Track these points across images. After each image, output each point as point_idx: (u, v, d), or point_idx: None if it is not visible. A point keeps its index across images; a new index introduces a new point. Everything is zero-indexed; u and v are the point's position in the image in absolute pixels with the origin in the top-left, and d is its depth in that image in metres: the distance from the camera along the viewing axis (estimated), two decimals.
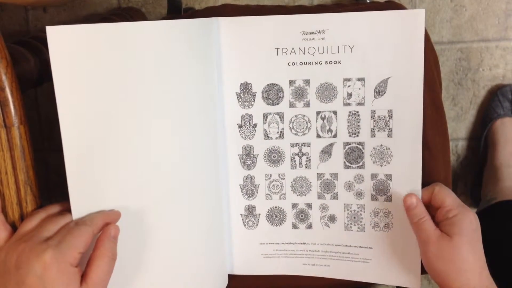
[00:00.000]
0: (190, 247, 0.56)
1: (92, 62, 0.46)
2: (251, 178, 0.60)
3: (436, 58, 0.60)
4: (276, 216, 0.60)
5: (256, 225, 0.61)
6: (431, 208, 0.55)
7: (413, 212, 0.54)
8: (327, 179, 0.59)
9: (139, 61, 0.48)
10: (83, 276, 0.44)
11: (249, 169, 0.59)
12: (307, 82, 0.57)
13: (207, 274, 0.58)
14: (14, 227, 0.46)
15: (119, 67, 0.47)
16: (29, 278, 0.41)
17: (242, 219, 0.61)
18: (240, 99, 0.57)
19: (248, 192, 0.60)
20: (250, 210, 0.60)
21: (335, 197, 0.59)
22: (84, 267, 0.45)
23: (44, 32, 0.44)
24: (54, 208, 0.48)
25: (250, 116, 0.58)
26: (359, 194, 0.59)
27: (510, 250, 0.72)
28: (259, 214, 0.60)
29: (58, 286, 0.41)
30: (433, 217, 0.54)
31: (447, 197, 0.53)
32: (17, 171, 0.46)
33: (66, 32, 0.44)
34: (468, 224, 0.51)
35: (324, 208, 0.60)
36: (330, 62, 0.56)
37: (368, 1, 0.84)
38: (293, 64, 0.56)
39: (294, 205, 0.60)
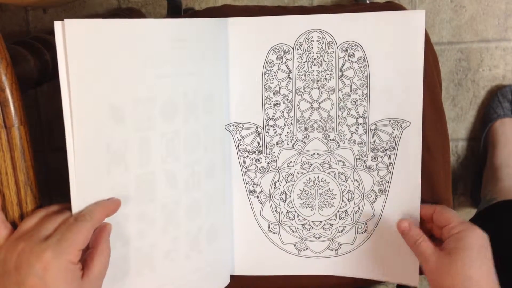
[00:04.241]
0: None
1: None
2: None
3: (436, 59, 0.60)
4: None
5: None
6: (434, 226, 0.56)
7: (409, 235, 0.56)
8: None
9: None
10: (85, 270, 0.44)
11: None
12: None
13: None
14: (14, 227, 0.46)
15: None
16: (29, 279, 0.41)
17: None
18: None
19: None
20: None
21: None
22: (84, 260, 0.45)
23: (45, 32, 0.44)
24: (55, 208, 0.48)
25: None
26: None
27: (511, 250, 0.71)
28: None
29: (60, 285, 0.41)
30: (431, 235, 0.55)
31: (453, 216, 0.53)
32: (17, 171, 0.46)
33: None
34: (475, 240, 0.50)
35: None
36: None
37: (368, 2, 0.84)
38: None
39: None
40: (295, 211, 0.60)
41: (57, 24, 0.44)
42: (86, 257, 0.45)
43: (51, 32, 0.45)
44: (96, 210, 0.47)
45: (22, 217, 0.47)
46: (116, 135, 0.48)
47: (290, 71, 0.57)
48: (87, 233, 0.44)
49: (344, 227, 0.60)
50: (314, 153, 0.59)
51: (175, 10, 0.82)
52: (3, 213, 0.46)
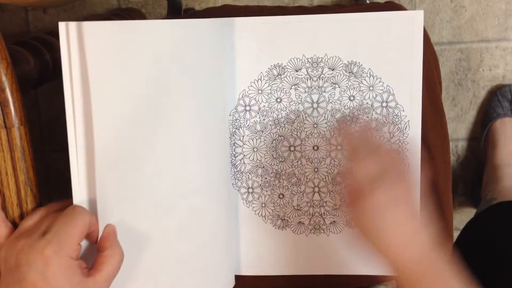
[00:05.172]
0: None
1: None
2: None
3: (436, 59, 0.61)
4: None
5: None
6: None
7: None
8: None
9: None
10: (92, 270, 0.44)
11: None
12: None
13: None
14: (14, 227, 0.46)
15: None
16: (30, 275, 0.41)
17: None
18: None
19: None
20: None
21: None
22: (89, 260, 0.46)
23: (45, 32, 0.44)
24: (55, 206, 0.48)
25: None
26: None
27: (511, 250, 0.72)
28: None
29: (61, 280, 0.42)
30: None
31: None
32: (17, 172, 0.46)
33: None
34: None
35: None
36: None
37: (368, 2, 0.84)
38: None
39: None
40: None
41: (61, 25, 0.44)
42: (97, 259, 0.46)
43: (51, 32, 0.45)
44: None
45: (22, 217, 0.47)
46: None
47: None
48: (84, 226, 0.45)
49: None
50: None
51: (175, 10, 0.82)
52: (3, 213, 0.46)
